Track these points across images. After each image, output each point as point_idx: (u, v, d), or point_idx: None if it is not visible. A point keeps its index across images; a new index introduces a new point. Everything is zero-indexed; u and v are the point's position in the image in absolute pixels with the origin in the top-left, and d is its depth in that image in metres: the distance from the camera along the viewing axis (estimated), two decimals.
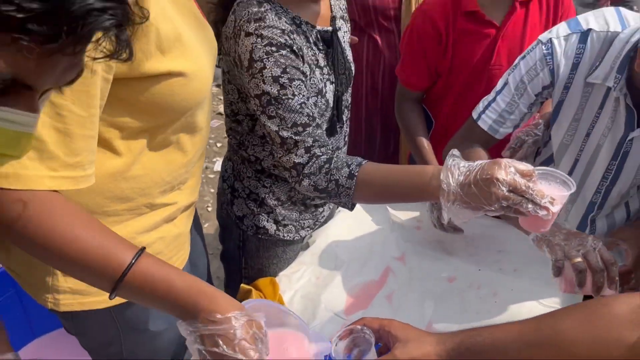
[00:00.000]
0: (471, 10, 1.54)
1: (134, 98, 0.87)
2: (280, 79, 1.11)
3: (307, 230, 1.47)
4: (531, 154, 1.50)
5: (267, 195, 1.38)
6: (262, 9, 1.13)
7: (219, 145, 3.96)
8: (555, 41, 1.21)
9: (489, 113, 1.32)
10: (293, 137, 1.12)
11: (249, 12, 1.13)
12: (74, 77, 0.58)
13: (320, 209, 1.48)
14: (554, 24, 1.54)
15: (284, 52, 1.11)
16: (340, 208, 1.58)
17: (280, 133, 1.12)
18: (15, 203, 0.74)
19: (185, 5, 0.97)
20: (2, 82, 0.50)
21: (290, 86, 1.11)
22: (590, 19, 1.20)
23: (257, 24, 1.11)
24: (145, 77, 0.86)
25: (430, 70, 1.66)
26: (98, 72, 0.77)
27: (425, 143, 1.64)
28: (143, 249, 0.80)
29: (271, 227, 1.40)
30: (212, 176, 3.52)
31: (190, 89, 0.93)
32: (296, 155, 1.12)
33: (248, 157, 1.36)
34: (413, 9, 1.80)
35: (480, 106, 1.35)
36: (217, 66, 1.14)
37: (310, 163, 1.12)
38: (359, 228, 1.54)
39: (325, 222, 1.53)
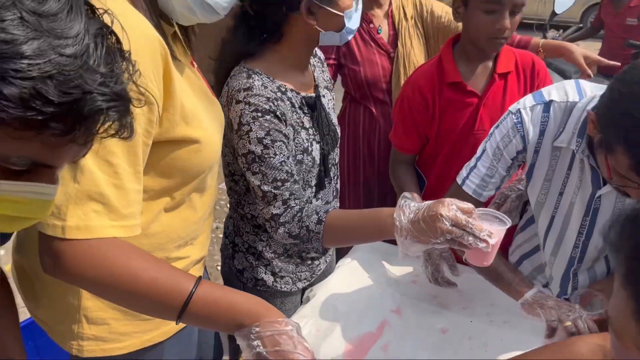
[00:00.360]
0: (454, 82, 1.71)
1: (157, 162, 1.02)
2: (264, 140, 1.27)
3: (304, 282, 1.57)
4: (515, 208, 1.62)
5: (264, 249, 1.50)
6: (251, 80, 1.30)
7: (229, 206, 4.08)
8: (522, 111, 1.36)
9: (472, 178, 1.45)
10: (273, 190, 1.27)
11: (239, 82, 1.30)
12: (85, 153, 0.70)
13: (317, 262, 1.59)
14: (532, 92, 1.71)
15: (268, 117, 1.28)
16: (339, 263, 1.69)
17: (262, 187, 1.28)
18: (87, 251, 0.89)
19: (197, 84, 1.13)
20: (27, 165, 0.62)
21: (273, 146, 1.27)
22: (553, 91, 1.35)
23: (246, 93, 1.28)
24: (170, 142, 1.01)
25: (421, 135, 1.80)
26: (140, 137, 0.93)
27: (417, 199, 1.75)
28: (200, 277, 0.95)
29: (269, 278, 1.51)
30: (222, 236, 3.62)
31: (203, 155, 1.08)
32: (274, 207, 1.27)
33: (245, 214, 1.49)
34: (402, 82, 1.98)
35: (464, 172, 1.47)
36: None
37: (286, 213, 1.27)
38: (357, 282, 1.64)
39: (322, 274, 1.64)
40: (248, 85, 1.29)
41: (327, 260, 1.66)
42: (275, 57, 1.37)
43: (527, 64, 1.73)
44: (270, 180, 1.28)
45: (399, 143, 1.86)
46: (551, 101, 1.34)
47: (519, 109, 1.37)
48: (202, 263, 1.27)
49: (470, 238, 1.05)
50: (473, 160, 1.46)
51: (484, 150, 1.44)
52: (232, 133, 1.31)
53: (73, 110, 0.59)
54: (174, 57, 1.00)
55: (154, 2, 1.02)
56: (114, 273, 0.90)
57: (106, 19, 0.66)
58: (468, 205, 1.07)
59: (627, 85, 1.06)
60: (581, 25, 7.58)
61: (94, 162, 0.89)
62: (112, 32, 0.66)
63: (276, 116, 1.29)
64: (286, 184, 1.28)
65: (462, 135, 1.75)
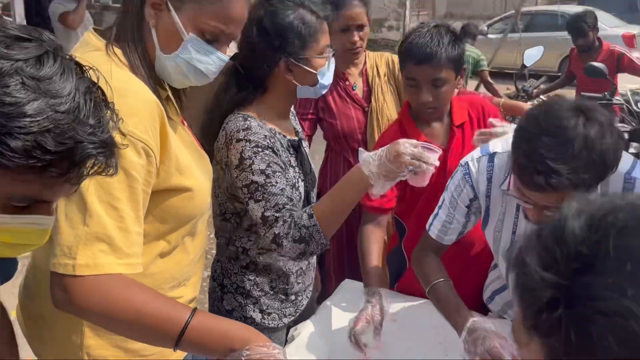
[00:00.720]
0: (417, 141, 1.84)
1: (154, 208, 1.14)
2: (265, 171, 1.43)
3: (289, 318, 1.68)
4: None
5: (252, 288, 1.62)
6: (247, 122, 1.48)
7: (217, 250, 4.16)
8: (470, 163, 1.53)
9: (435, 224, 1.61)
10: (275, 214, 1.41)
11: (237, 125, 1.47)
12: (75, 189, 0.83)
13: (300, 297, 1.71)
14: None
15: (267, 152, 1.45)
16: (323, 304, 1.80)
17: (265, 213, 1.42)
18: (95, 286, 1.00)
19: (188, 139, 1.28)
20: (28, 201, 0.75)
21: (274, 176, 1.44)
22: (497, 143, 1.52)
23: (245, 132, 1.45)
24: (166, 190, 1.14)
25: (395, 189, 1.88)
26: (140, 186, 1.06)
27: (374, 261, 1.74)
28: (195, 308, 1.06)
29: (257, 316, 1.62)
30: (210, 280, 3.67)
31: (195, 202, 1.21)
32: (276, 227, 1.42)
33: (235, 251, 1.61)
34: (376, 133, 2.15)
35: (430, 219, 1.64)
36: None
37: (283, 226, 1.40)
38: (340, 322, 1.72)
39: (306, 311, 1.74)
40: (246, 126, 1.47)
41: (309, 296, 1.77)
42: (263, 106, 1.55)
43: (479, 111, 1.88)
44: (272, 205, 1.42)
45: (369, 202, 1.85)
46: (495, 152, 1.50)
47: (467, 162, 1.54)
48: (194, 303, 1.37)
49: (424, 165, 1.34)
50: (436, 208, 1.63)
51: (443, 200, 1.61)
52: (232, 170, 1.47)
53: (68, 157, 0.72)
54: (168, 117, 1.15)
55: (152, 70, 1.17)
56: (119, 305, 1.01)
57: (92, 74, 0.79)
58: (415, 142, 1.37)
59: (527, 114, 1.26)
60: (559, 74, 7.97)
61: (101, 207, 1.02)
62: (99, 88, 0.79)
63: (273, 151, 1.47)
64: (287, 206, 1.43)
65: (434, 186, 1.87)
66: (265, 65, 1.51)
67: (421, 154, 1.34)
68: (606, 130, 1.15)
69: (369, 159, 1.38)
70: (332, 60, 1.58)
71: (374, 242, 1.77)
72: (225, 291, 1.65)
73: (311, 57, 1.51)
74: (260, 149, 1.44)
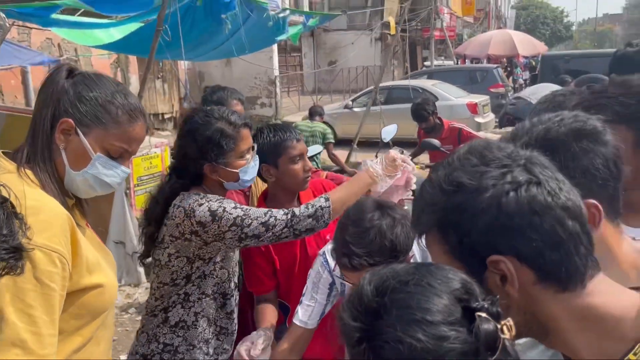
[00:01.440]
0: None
1: (69, 306, 1.26)
2: (237, 207, 1.75)
3: None
4: None
5: (180, 344, 1.85)
6: (200, 195, 1.79)
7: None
8: (327, 253, 1.83)
9: (299, 309, 1.85)
10: (269, 219, 1.74)
11: (193, 197, 1.77)
12: None
13: (225, 346, 1.95)
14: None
15: (225, 201, 1.78)
16: None
17: (266, 224, 1.73)
18: None
19: (94, 240, 1.44)
20: None
21: (244, 207, 1.78)
22: None
23: (204, 197, 1.77)
24: (80, 290, 1.28)
25: (267, 275, 2.13)
26: (57, 290, 1.19)
27: (268, 318, 2.04)
28: None
29: None
30: None
31: (106, 295, 1.36)
32: (280, 215, 1.75)
33: (169, 316, 1.85)
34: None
35: (297, 310, 1.86)
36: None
37: (290, 212, 1.78)
38: None
39: None
40: (201, 195, 1.78)
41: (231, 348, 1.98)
42: (201, 193, 1.82)
43: (319, 187, 2.24)
44: (263, 214, 1.75)
45: (251, 287, 2.15)
46: None
47: (324, 251, 1.85)
48: None
49: (409, 167, 1.88)
50: (301, 298, 1.87)
51: (306, 288, 1.88)
52: (207, 229, 1.72)
53: None
54: (76, 223, 1.31)
55: (60, 185, 1.34)
56: None
57: (3, 190, 0.93)
58: (399, 154, 1.92)
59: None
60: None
61: (16, 315, 1.13)
62: (9, 201, 0.93)
63: (229, 203, 1.78)
64: (269, 212, 1.77)
65: (301, 262, 2.12)
66: (194, 168, 1.83)
67: (405, 158, 1.89)
68: (398, 223, 1.50)
69: (374, 165, 1.86)
70: (256, 158, 1.89)
71: (267, 310, 2.07)
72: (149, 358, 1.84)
73: (231, 160, 1.81)
74: (221, 199, 1.77)
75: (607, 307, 0.80)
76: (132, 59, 11.04)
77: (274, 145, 2.04)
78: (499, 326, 0.70)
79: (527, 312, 0.82)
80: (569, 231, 0.78)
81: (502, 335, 0.70)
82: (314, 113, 6.90)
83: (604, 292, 0.81)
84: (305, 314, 1.84)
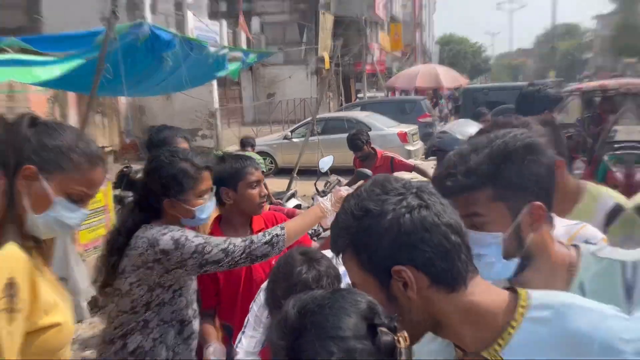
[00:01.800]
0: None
1: (29, 346, 1.31)
2: (197, 236, 1.91)
3: None
4: None
5: None
6: (163, 225, 1.93)
7: None
8: None
9: (242, 340, 1.96)
10: (227, 246, 1.90)
11: (155, 229, 1.90)
12: None
13: None
14: None
15: (187, 230, 1.94)
16: None
17: (225, 250, 1.88)
18: None
19: (53, 281, 1.48)
20: None
21: (203, 237, 1.92)
22: None
23: (166, 228, 1.91)
24: (37, 330, 1.33)
25: (212, 290, 2.32)
26: (17, 338, 1.25)
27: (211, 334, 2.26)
28: None
29: None
30: None
31: (63, 334, 1.41)
32: (238, 243, 1.92)
33: (128, 344, 1.95)
34: None
35: (239, 335, 1.99)
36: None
37: (248, 239, 1.96)
38: None
39: None
40: (164, 226, 1.92)
41: None
42: (162, 223, 1.96)
43: (270, 217, 2.47)
44: (222, 241, 1.91)
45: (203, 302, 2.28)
46: None
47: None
48: None
49: None
50: (242, 329, 2.00)
51: (247, 320, 1.99)
52: (170, 257, 1.86)
53: None
54: (36, 267, 1.35)
55: (22, 228, 1.38)
56: None
57: None
58: (349, 189, 2.08)
59: None
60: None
61: None
62: None
63: (191, 232, 1.95)
64: (228, 240, 1.93)
65: (246, 283, 2.31)
66: (155, 202, 1.98)
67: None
68: (323, 275, 1.72)
69: (324, 202, 2.08)
70: (213, 199, 2.05)
71: (209, 330, 2.27)
72: None
73: (190, 198, 1.96)
74: (182, 229, 1.92)
75: (483, 303, 0.97)
76: (71, 94, 10.90)
77: (235, 170, 2.28)
78: (396, 337, 0.86)
79: (425, 311, 0.97)
80: (452, 243, 0.95)
81: (398, 345, 0.85)
82: (246, 144, 7.32)
83: (480, 291, 0.98)
84: (250, 345, 1.97)
